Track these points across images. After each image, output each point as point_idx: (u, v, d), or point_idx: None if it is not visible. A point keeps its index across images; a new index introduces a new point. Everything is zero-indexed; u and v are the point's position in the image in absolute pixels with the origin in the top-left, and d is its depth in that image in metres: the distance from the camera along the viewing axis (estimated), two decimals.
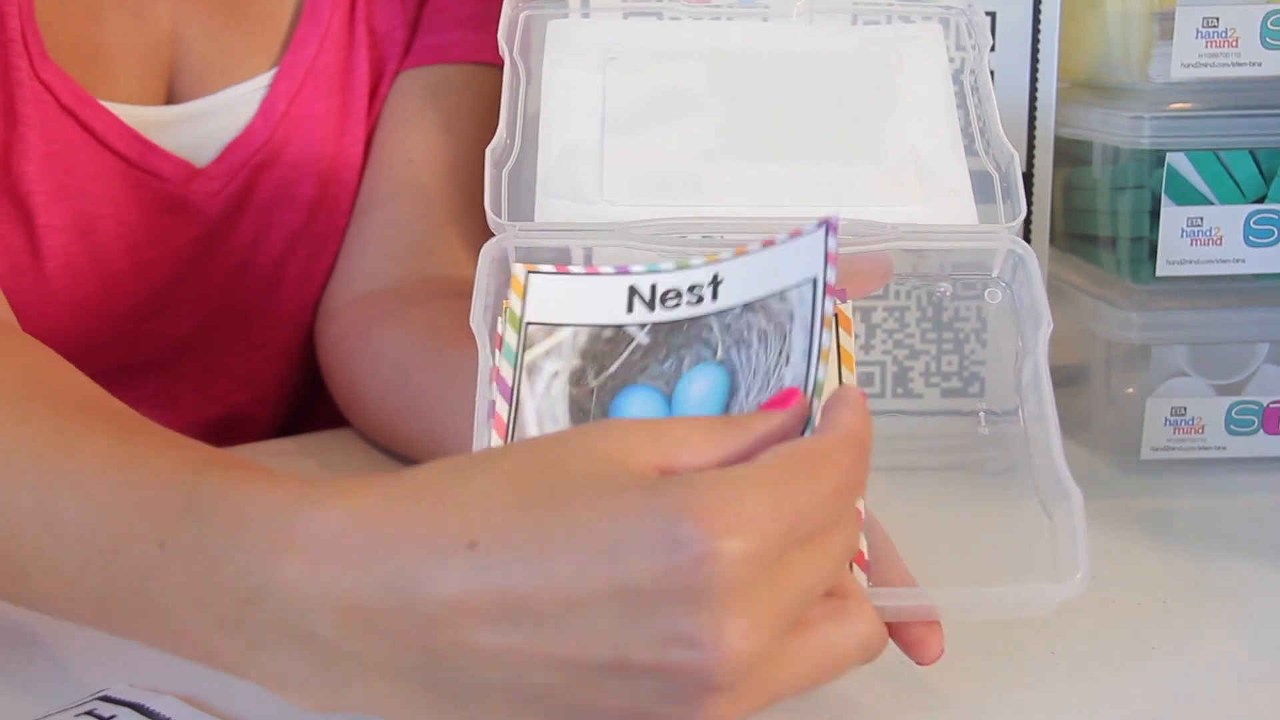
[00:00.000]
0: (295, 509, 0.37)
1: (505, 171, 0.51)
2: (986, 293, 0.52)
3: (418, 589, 0.35)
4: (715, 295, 0.44)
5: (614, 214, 0.50)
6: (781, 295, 0.43)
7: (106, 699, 0.44)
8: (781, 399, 0.40)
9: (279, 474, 0.40)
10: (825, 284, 0.41)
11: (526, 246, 0.49)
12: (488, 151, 0.50)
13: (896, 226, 0.49)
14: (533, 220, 0.50)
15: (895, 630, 0.44)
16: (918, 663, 0.44)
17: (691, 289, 0.45)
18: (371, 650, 0.36)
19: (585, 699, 0.35)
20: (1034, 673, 0.48)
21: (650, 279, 0.45)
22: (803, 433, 0.39)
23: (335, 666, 0.37)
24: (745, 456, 0.37)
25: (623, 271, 0.46)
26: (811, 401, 0.40)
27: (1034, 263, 0.49)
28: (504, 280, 0.48)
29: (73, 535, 0.40)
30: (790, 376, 0.41)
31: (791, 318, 0.42)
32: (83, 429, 0.43)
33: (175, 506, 0.39)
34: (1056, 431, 0.46)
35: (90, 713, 0.43)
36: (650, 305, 0.45)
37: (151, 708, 0.44)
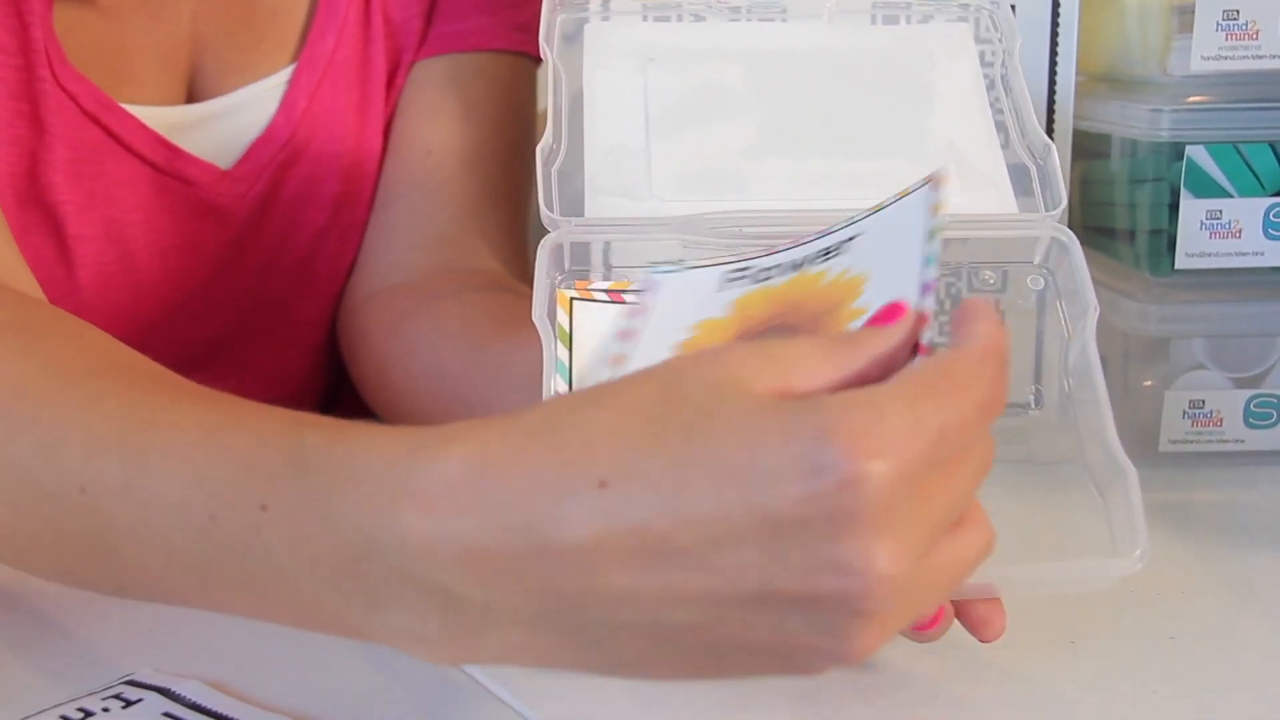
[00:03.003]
0: (409, 457, 0.36)
1: (554, 170, 0.52)
2: (1029, 280, 0.53)
3: (549, 532, 0.33)
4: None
5: (662, 209, 0.52)
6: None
7: (133, 683, 0.45)
8: (886, 314, 0.39)
9: (381, 427, 0.38)
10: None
11: (581, 241, 0.50)
12: (538, 151, 0.51)
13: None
14: (583, 216, 0.52)
15: (959, 609, 0.45)
16: (981, 640, 0.45)
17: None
18: (501, 599, 0.34)
19: (729, 635, 0.34)
20: (1055, 663, 0.48)
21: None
22: (915, 347, 0.38)
23: (464, 618, 0.35)
24: (863, 375, 0.36)
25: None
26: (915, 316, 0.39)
27: (1077, 249, 0.50)
28: (561, 272, 0.49)
29: (167, 507, 0.39)
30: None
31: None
32: (163, 401, 0.42)
33: (275, 467, 0.38)
34: (1109, 412, 0.47)
35: (117, 696, 0.44)
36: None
37: (177, 691, 0.44)
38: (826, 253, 0.45)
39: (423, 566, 0.35)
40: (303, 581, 0.37)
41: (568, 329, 0.47)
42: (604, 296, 0.48)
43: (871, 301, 0.40)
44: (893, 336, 0.37)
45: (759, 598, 0.33)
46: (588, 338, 0.47)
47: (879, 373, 0.36)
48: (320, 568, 0.36)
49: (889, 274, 0.41)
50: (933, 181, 0.42)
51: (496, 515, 0.34)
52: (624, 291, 0.48)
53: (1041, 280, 0.53)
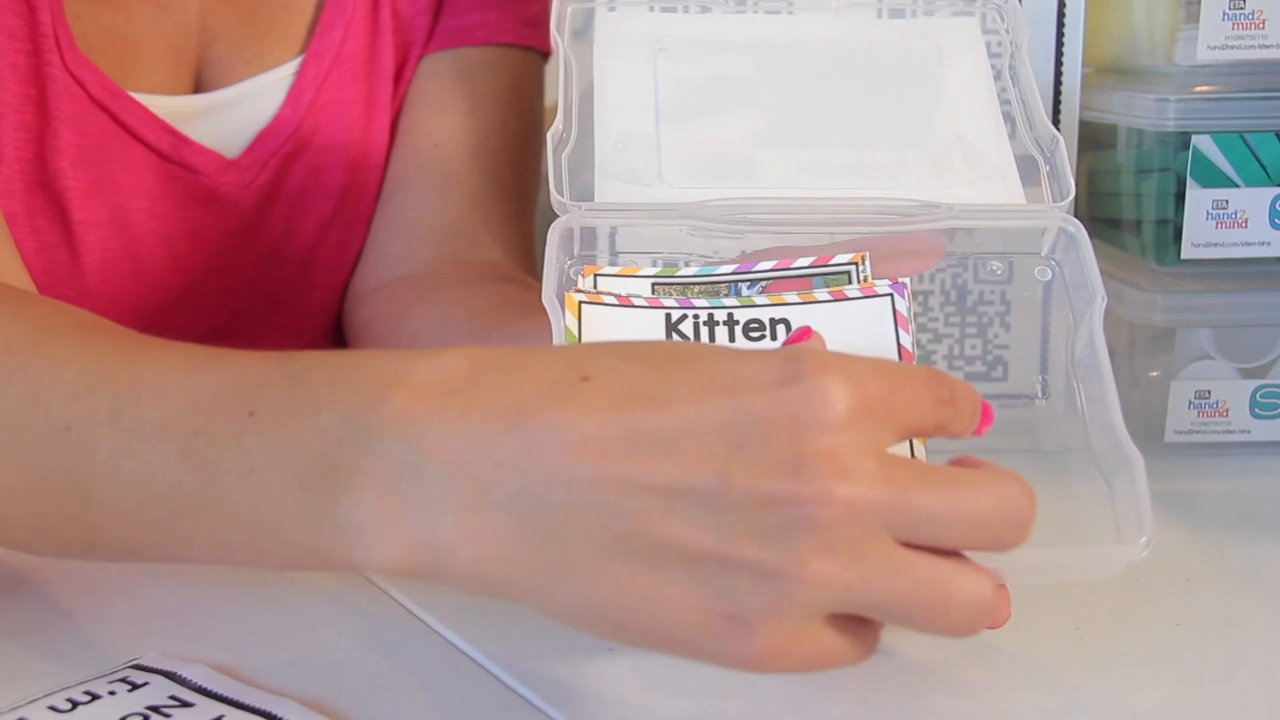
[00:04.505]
0: (406, 358, 0.38)
1: (564, 157, 0.52)
2: (1036, 270, 0.53)
3: (532, 412, 0.35)
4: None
5: (672, 196, 0.52)
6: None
7: (139, 667, 0.45)
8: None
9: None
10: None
11: (591, 226, 0.51)
12: (548, 137, 0.52)
13: (952, 206, 0.51)
14: (593, 201, 0.52)
15: None
16: (988, 627, 0.45)
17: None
18: (471, 476, 0.36)
19: (678, 533, 0.35)
20: (1061, 649, 0.48)
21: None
22: None
23: (426, 498, 0.36)
24: None
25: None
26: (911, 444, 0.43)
27: (1085, 239, 0.51)
28: (571, 257, 0.50)
29: (149, 431, 0.40)
30: None
31: None
32: (154, 349, 0.43)
33: (268, 377, 0.39)
34: (1116, 401, 0.47)
35: (124, 679, 0.44)
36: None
37: (183, 675, 0.44)
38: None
39: (400, 442, 0.36)
40: (270, 483, 0.38)
41: (576, 333, 0.47)
42: (613, 300, 0.48)
43: None
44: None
45: (715, 490, 0.34)
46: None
47: None
48: (293, 462, 0.37)
49: None
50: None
51: (484, 396, 0.36)
52: (633, 294, 0.48)
53: (1049, 271, 0.53)
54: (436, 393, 0.36)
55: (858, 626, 0.37)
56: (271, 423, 0.38)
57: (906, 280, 0.48)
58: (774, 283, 0.48)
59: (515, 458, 0.35)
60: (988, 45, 0.59)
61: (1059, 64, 0.70)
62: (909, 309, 0.47)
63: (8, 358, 0.44)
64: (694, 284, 0.49)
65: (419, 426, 0.36)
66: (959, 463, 0.39)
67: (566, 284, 0.49)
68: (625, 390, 0.35)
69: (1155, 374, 0.68)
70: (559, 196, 0.50)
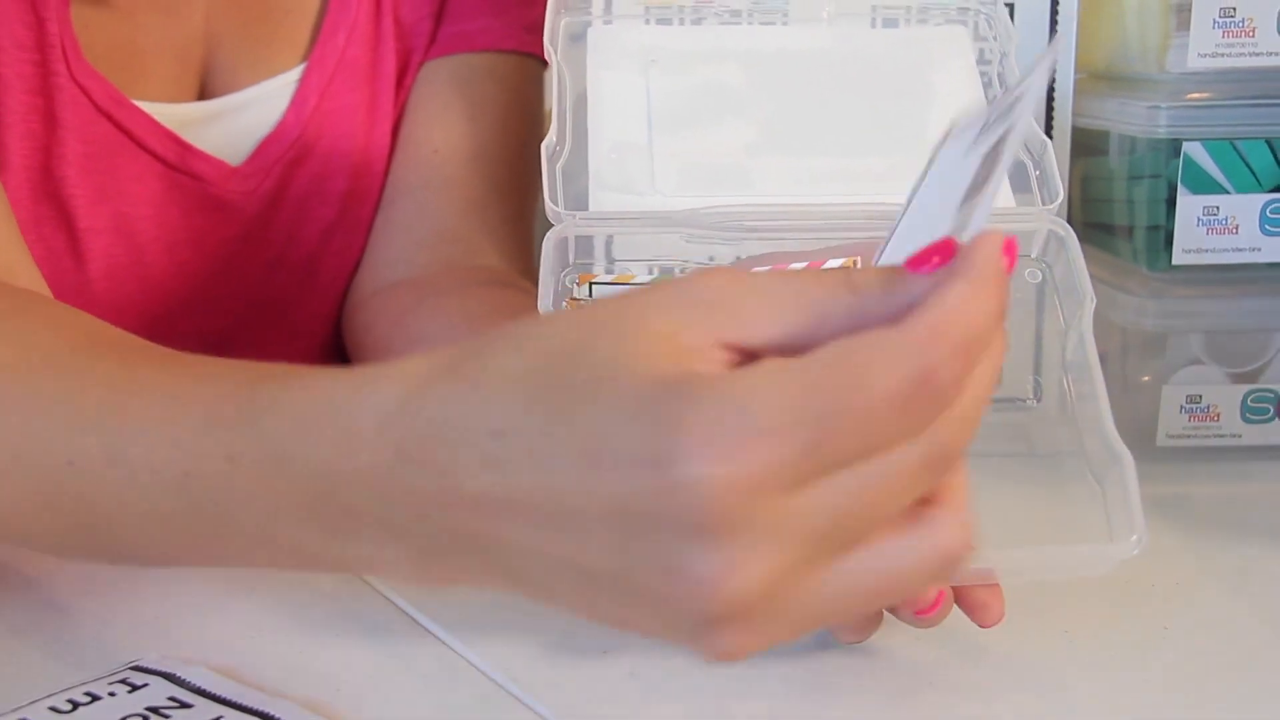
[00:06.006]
0: (347, 399, 0.37)
1: (559, 167, 0.53)
2: (1026, 273, 0.53)
3: (453, 478, 0.34)
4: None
5: (666, 205, 0.52)
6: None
7: (139, 668, 0.45)
8: (925, 256, 0.33)
9: (330, 370, 0.39)
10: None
11: (586, 235, 0.51)
12: (543, 147, 0.53)
13: None
14: (587, 211, 0.53)
15: (958, 594, 0.46)
16: (980, 625, 0.46)
17: None
18: (435, 535, 0.36)
19: (596, 599, 0.34)
20: (1051, 652, 0.48)
21: None
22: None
23: (412, 545, 0.37)
24: (816, 333, 0.32)
25: None
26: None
27: (1074, 242, 0.51)
28: (566, 266, 0.50)
29: (148, 471, 0.40)
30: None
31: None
32: (139, 372, 0.43)
33: (234, 419, 0.39)
34: (1105, 401, 0.47)
35: (124, 681, 0.44)
36: None
37: (182, 676, 0.45)
38: None
39: (369, 501, 0.36)
40: (278, 524, 0.39)
41: None
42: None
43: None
44: (904, 287, 0.33)
45: (614, 577, 0.33)
46: None
47: (849, 327, 0.32)
48: (289, 510, 0.38)
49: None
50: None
51: (417, 457, 0.34)
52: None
53: (1039, 273, 0.54)
54: (379, 448, 0.35)
55: None
56: (251, 472, 0.39)
57: None
58: None
59: (446, 520, 0.35)
60: (979, 53, 0.59)
61: (1051, 70, 0.70)
62: None
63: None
64: None
65: (378, 489, 0.36)
66: None
67: (562, 293, 0.49)
68: (520, 459, 0.33)
69: (1147, 379, 0.68)
70: (553, 206, 0.51)
